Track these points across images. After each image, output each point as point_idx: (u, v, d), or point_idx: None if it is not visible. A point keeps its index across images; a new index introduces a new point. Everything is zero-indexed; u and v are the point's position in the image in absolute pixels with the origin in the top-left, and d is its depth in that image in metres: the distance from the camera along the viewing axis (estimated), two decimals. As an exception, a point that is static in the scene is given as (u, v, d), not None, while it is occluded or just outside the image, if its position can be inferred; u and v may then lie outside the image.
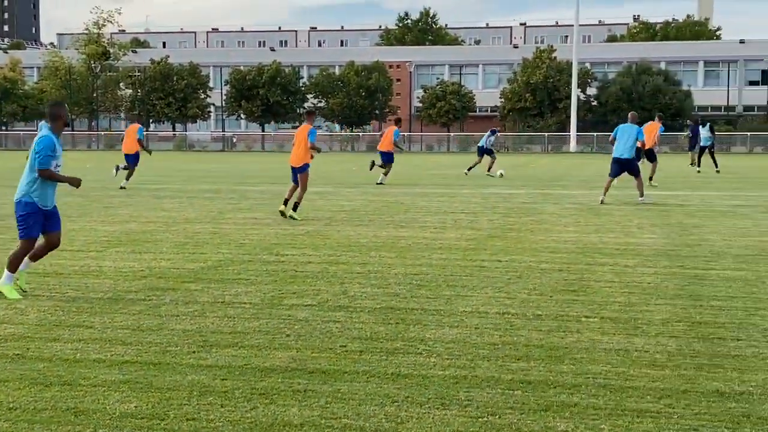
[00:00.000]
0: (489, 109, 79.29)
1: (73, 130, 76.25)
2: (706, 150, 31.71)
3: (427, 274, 9.72)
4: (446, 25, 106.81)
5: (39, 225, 8.31)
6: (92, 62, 77.29)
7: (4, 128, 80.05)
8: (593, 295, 8.49)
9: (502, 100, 72.71)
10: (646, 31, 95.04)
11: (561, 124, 67.82)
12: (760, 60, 76.49)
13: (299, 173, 15.57)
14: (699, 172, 31.15)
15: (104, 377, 5.79)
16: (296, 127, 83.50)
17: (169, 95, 75.38)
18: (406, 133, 73.98)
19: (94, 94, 78.16)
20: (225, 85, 77.04)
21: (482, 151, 30.61)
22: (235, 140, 75.19)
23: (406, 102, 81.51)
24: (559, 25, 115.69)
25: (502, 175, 28.55)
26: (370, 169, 27.04)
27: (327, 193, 22.04)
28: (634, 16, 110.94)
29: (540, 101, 69.47)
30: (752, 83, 79.44)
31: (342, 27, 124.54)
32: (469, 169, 30.13)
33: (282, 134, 77.50)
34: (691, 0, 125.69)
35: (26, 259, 8.44)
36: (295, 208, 15.45)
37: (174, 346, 6.59)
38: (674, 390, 5.49)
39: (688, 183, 26.03)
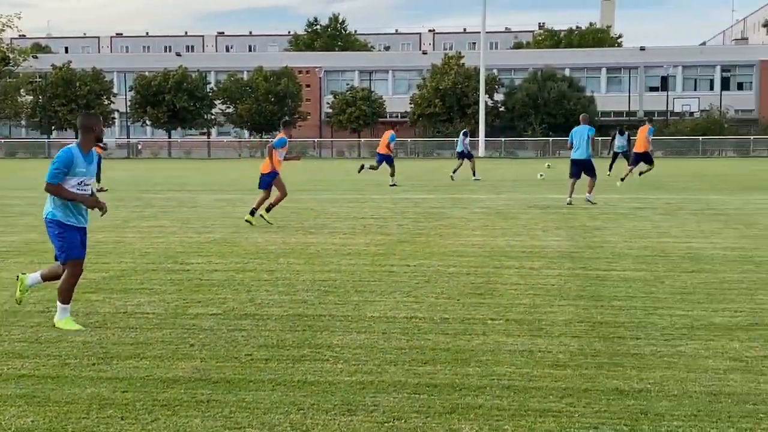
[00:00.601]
0: (399, 115, 79.83)
1: (-30, 138, 73.63)
2: (620, 155, 32.71)
3: (335, 280, 9.69)
4: (356, 30, 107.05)
5: (78, 243, 7.42)
6: (-10, 68, 74.83)
7: None
8: (499, 298, 8.60)
9: (412, 105, 73.31)
10: (550, 39, 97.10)
11: (470, 129, 68.69)
12: (659, 66, 78.98)
13: (270, 179, 15.74)
14: (609, 175, 32.02)
15: (0, 392, 5.58)
16: (204, 134, 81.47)
17: (71, 101, 73.48)
18: (315, 139, 73.97)
19: (-7, 101, 75.66)
20: (130, 90, 75.60)
21: (462, 155, 31.09)
22: (140, 147, 73.80)
23: (316, 107, 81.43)
24: (467, 32, 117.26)
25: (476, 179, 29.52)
26: (359, 172, 28.58)
27: (236, 200, 21.80)
28: (540, 23, 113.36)
29: (449, 107, 70.29)
30: (652, 89, 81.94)
31: (250, 32, 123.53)
32: (454, 172, 30.63)
33: (189, 141, 76.50)
34: (594, 8, 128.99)
35: (38, 275, 7.72)
36: (268, 209, 15.73)
37: (73, 358, 6.39)
38: (576, 389, 5.59)
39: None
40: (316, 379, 5.86)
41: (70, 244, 7.36)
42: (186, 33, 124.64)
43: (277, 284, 9.41)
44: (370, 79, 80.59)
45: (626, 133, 32.90)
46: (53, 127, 75.09)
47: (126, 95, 76.24)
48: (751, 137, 64.01)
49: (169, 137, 76.84)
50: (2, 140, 74.52)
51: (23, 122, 78.43)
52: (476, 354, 6.48)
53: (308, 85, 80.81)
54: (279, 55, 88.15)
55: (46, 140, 73.12)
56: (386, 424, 4.96)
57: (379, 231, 14.52)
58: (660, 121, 72.52)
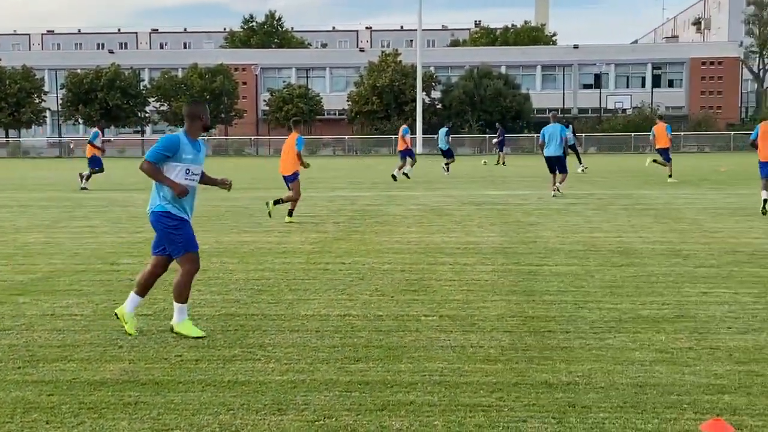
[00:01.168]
0: (337, 113, 79.76)
1: None
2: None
3: (269, 279, 9.63)
4: (292, 28, 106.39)
5: (193, 234, 7.06)
6: None
7: None
8: (433, 294, 8.64)
9: (350, 103, 73.29)
10: (486, 37, 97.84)
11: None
12: (592, 64, 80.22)
13: (290, 182, 15.81)
14: (585, 170, 32.59)
15: None
16: (138, 132, 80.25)
17: (1, 100, 71.70)
18: (252, 137, 73.44)
19: None
20: (61, 89, 74.07)
21: (447, 152, 31.60)
22: (72, 146, 72.28)
23: (253, 105, 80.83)
24: (404, 30, 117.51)
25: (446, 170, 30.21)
26: (395, 180, 27.85)
27: (170, 198, 21.50)
28: (476, 21, 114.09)
29: (387, 104, 70.43)
30: (586, 86, 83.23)
31: (185, 29, 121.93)
32: (447, 169, 31.03)
33: (123, 139, 75.26)
34: (529, 6, 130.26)
35: (132, 295, 7.17)
36: (290, 214, 15.78)
37: (-3, 362, 6.24)
38: (506, 383, 5.64)
39: (527, 183, 26.95)
40: (246, 379, 5.81)
41: (187, 236, 7.02)
42: (119, 30, 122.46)
43: (209, 284, 9.32)
44: (307, 77, 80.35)
45: (570, 125, 33.51)
46: (-18, 126, 73.16)
47: (57, 93, 74.68)
48: (681, 133, 65.37)
49: (103, 136, 75.32)
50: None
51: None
52: (409, 350, 6.50)
53: (244, 83, 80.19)
54: (214, 53, 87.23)
55: (-25, 139, 71.28)
56: (317, 423, 4.94)
57: (315, 229, 14.48)
58: (593, 119, 73.84)
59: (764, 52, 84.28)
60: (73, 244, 12.73)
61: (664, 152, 27.47)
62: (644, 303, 8.08)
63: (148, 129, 79.18)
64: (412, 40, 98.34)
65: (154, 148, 7.01)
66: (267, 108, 75.89)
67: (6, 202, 20.70)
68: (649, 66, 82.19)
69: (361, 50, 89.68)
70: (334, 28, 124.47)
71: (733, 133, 66.07)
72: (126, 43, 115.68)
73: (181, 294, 7.05)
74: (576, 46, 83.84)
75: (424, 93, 69.17)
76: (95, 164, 25.52)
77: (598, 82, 79.60)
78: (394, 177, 28.09)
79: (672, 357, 6.24)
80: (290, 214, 15.82)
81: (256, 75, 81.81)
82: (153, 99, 73.96)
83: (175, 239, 6.98)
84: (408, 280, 9.43)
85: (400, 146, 29.16)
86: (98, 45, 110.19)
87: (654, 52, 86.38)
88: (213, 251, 11.83)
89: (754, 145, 16.57)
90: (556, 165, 20.95)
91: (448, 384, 5.64)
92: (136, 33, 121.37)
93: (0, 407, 5.24)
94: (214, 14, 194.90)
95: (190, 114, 7.22)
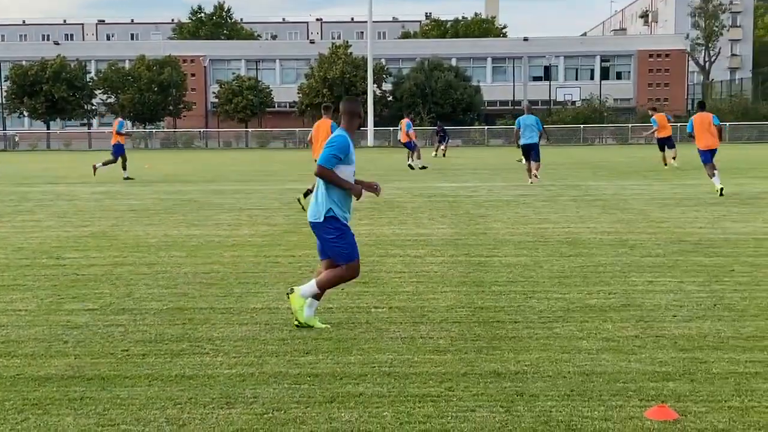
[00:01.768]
0: (287, 105, 79.30)
1: None
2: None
3: (218, 272, 9.55)
4: (241, 19, 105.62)
5: (355, 241, 6.93)
6: None
7: None
8: (383, 286, 8.64)
9: (300, 95, 72.91)
10: (437, 29, 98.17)
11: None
12: (542, 57, 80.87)
13: None
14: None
15: None
16: (84, 125, 78.73)
17: (-58, 92, 70.13)
18: (201, 130, 72.77)
19: None
20: (5, 81, 72.52)
21: (408, 144, 31.59)
22: (17, 139, 70.93)
23: (202, 97, 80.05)
24: (355, 21, 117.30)
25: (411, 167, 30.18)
26: (421, 168, 29.33)
27: (115, 192, 21.24)
28: (426, 13, 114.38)
29: (338, 96, 70.01)
30: (536, 78, 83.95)
31: (132, 20, 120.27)
32: (422, 167, 30.60)
33: (69, 132, 74.07)
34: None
35: (313, 283, 6.96)
36: (306, 194, 15.84)
37: (-63, 360, 6.10)
38: (455, 373, 5.66)
39: (478, 175, 27.11)
40: (194, 372, 5.75)
41: (351, 243, 6.87)
42: (65, 21, 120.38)
43: (157, 278, 9.21)
44: (256, 69, 79.79)
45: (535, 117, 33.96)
46: None
47: (1, 85, 73.14)
48: (629, 125, 66.26)
49: (48, 129, 74.17)
50: None
51: None
52: (358, 342, 6.49)
53: (193, 75, 79.39)
54: (162, 44, 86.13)
55: None
56: (266, 416, 4.91)
57: (265, 222, 14.40)
58: (543, 110, 74.45)
59: (710, 45, 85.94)
60: (17, 238, 12.49)
61: (668, 140, 28.66)
62: (591, 292, 8.18)
63: (94, 122, 77.97)
64: (362, 32, 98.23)
65: (328, 152, 6.69)
66: (216, 100, 75.18)
67: (-52, 196, 20.25)
68: (598, 58, 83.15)
69: (312, 42, 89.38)
70: (284, 19, 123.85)
71: (679, 124, 67.13)
72: (72, 35, 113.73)
73: (323, 287, 6.95)
74: (526, 39, 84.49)
75: (375, 85, 69.10)
76: (120, 152, 25.88)
77: (547, 74, 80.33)
78: (411, 167, 29.58)
79: (618, 345, 6.32)
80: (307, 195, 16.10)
81: (205, 67, 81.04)
82: (100, 91, 72.81)
83: (340, 247, 6.83)
84: (358, 272, 9.40)
85: (403, 138, 30.81)
86: (43, 36, 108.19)
87: (602, 45, 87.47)
88: (161, 245, 11.70)
89: (691, 136, 18.93)
90: (530, 151, 22.04)
91: (397, 375, 5.65)
92: (82, 24, 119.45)
93: (-60, 405, 5.13)
94: (162, 5, 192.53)
95: (350, 111, 6.99)
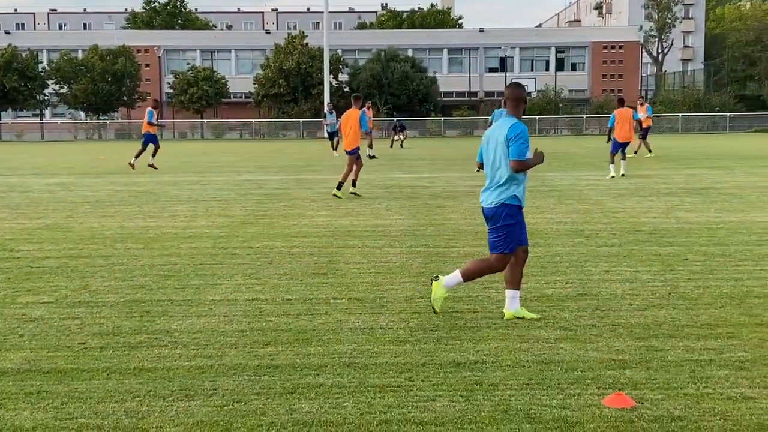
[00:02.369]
0: (243, 95, 78.71)
1: None
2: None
3: (175, 264, 9.47)
4: (196, 9, 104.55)
5: (519, 234, 6.86)
6: None
7: None
8: (342, 277, 8.64)
9: (256, 86, 72.39)
10: (393, 19, 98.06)
11: (315, 110, 68.61)
12: (497, 48, 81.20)
13: (350, 155, 16.90)
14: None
15: None
16: (37, 115, 77.44)
17: None
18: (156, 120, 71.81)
19: None
20: (-45, 71, 70.98)
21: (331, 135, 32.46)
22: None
23: (156, 88, 79.13)
24: (311, 12, 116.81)
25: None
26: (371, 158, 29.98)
27: (69, 183, 20.94)
28: (382, 4, 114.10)
29: (294, 87, 69.87)
30: (492, 70, 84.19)
31: (85, 9, 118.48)
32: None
33: (21, 123, 72.81)
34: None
35: (458, 274, 6.96)
36: (354, 184, 16.95)
37: None
38: (415, 363, 5.69)
39: (435, 166, 27.19)
40: (153, 365, 5.71)
41: (517, 238, 6.85)
42: (15, 10, 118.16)
43: (113, 270, 9.11)
44: (212, 59, 79.02)
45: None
46: None
47: (-50, 75, 71.60)
48: (584, 116, 66.96)
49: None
50: None
51: None
52: (318, 333, 6.49)
53: (147, 65, 78.40)
54: (116, 34, 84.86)
55: None
56: (225, 408, 4.89)
57: (222, 213, 14.30)
58: (498, 102, 74.79)
59: (663, 36, 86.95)
60: (-32, 231, 12.26)
61: (646, 131, 29.99)
62: (549, 282, 8.26)
63: (47, 112, 76.75)
64: (318, 23, 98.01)
65: (521, 146, 6.68)
66: (171, 91, 74.38)
67: None
68: (553, 50, 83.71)
69: (267, 32, 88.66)
70: (239, 9, 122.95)
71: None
72: (23, 24, 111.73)
73: (470, 277, 6.97)
74: (482, 30, 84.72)
75: (332, 76, 68.88)
76: (151, 141, 26.02)
77: (503, 65, 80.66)
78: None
79: (575, 334, 6.39)
80: (339, 187, 16.69)
81: (160, 57, 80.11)
82: (52, 81, 71.61)
83: (511, 235, 6.81)
84: (317, 264, 9.41)
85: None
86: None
87: (557, 36, 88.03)
88: (117, 237, 11.57)
89: (611, 130, 21.44)
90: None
91: (357, 366, 5.66)
92: (33, 13, 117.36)
93: None
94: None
95: (519, 97, 6.97)
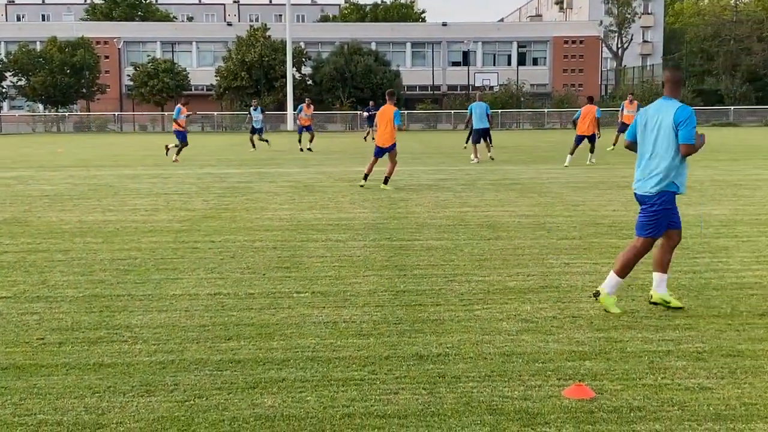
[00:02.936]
0: (204, 88, 78.08)
1: None
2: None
3: (135, 258, 9.38)
4: (156, 0, 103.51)
5: (672, 218, 6.87)
6: None
7: None
8: (305, 271, 8.62)
9: (218, 78, 71.84)
10: (356, 12, 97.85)
11: (278, 103, 68.28)
12: (460, 42, 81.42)
13: (389, 152, 17.04)
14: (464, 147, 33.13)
15: None
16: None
17: None
18: (116, 113, 71.17)
19: None
20: None
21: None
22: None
23: (116, 80, 78.27)
24: (273, 4, 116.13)
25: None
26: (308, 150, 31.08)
27: (27, 177, 20.65)
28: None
29: (256, 80, 69.44)
30: (455, 64, 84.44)
31: (43, 1, 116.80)
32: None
33: (-22, 115, 71.55)
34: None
35: (613, 276, 6.91)
36: (386, 182, 16.96)
37: None
38: (378, 357, 5.70)
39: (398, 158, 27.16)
40: (113, 361, 5.65)
41: (665, 224, 6.86)
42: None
43: (72, 264, 9.00)
44: (173, 51, 78.30)
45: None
46: None
47: None
48: (546, 110, 67.41)
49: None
50: None
51: None
52: (281, 327, 6.47)
53: (107, 57, 77.43)
54: (75, 25, 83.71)
55: None
56: (187, 403, 4.86)
57: (183, 207, 14.19)
58: (462, 95, 75.09)
59: (622, 32, 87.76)
60: (-77, 225, 12.04)
61: (626, 126, 29.62)
62: (511, 275, 8.31)
63: (5, 105, 75.56)
64: (281, 15, 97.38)
65: (691, 130, 6.66)
66: (131, 83, 73.56)
67: None
68: (515, 44, 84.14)
69: (229, 24, 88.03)
70: (200, 1, 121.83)
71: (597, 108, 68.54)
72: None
73: (625, 272, 6.93)
74: (445, 24, 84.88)
75: (295, 69, 68.55)
76: (181, 137, 26.78)
77: (466, 59, 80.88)
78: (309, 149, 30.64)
79: (537, 326, 6.44)
80: (386, 181, 16.99)
81: (119, 49, 79.13)
82: (10, 74, 70.47)
83: (664, 219, 6.84)
84: (280, 257, 9.38)
85: (303, 122, 32.77)
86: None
87: (519, 31, 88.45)
88: (76, 231, 11.44)
89: (574, 123, 23.70)
90: (483, 136, 25.45)
91: (320, 359, 5.66)
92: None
93: None
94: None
95: (676, 79, 6.93)
